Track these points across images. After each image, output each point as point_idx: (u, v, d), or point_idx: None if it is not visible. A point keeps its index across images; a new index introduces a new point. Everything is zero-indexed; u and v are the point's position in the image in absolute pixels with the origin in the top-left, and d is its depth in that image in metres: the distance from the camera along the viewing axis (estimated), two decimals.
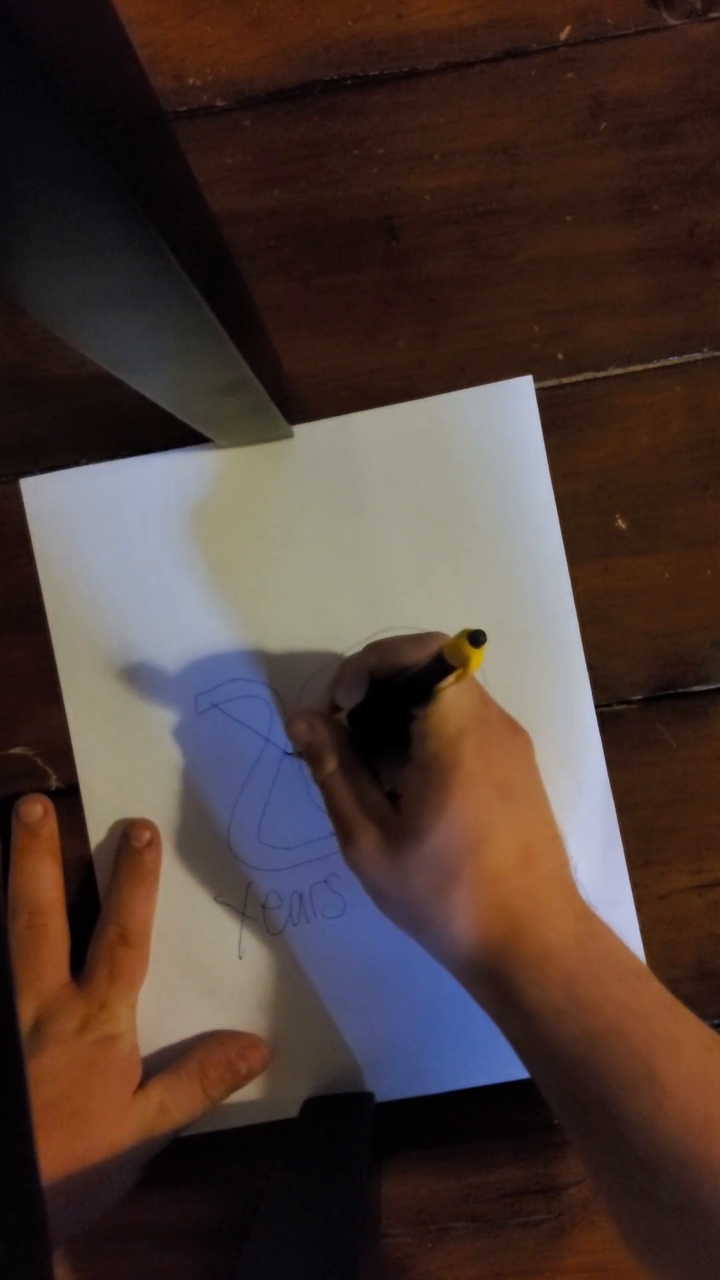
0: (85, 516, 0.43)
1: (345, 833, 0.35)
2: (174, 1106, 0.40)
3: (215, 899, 0.43)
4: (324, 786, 0.36)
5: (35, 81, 0.13)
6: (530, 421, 0.42)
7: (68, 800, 0.43)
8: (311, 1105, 0.42)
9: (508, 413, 0.42)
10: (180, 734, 0.43)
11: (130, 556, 0.43)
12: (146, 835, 0.42)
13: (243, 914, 0.42)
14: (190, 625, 0.43)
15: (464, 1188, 0.42)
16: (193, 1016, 0.42)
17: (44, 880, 0.42)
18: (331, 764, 0.36)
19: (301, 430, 0.42)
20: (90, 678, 0.43)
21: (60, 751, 0.43)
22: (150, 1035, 0.42)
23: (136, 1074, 0.41)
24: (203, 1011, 0.42)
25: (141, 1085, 0.40)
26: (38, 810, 0.42)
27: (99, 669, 0.43)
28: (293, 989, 0.42)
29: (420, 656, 0.34)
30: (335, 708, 0.38)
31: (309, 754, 0.37)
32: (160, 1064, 0.42)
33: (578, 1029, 0.31)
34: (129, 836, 0.42)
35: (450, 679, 0.32)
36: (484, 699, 0.36)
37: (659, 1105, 0.29)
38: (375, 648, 0.36)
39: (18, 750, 0.43)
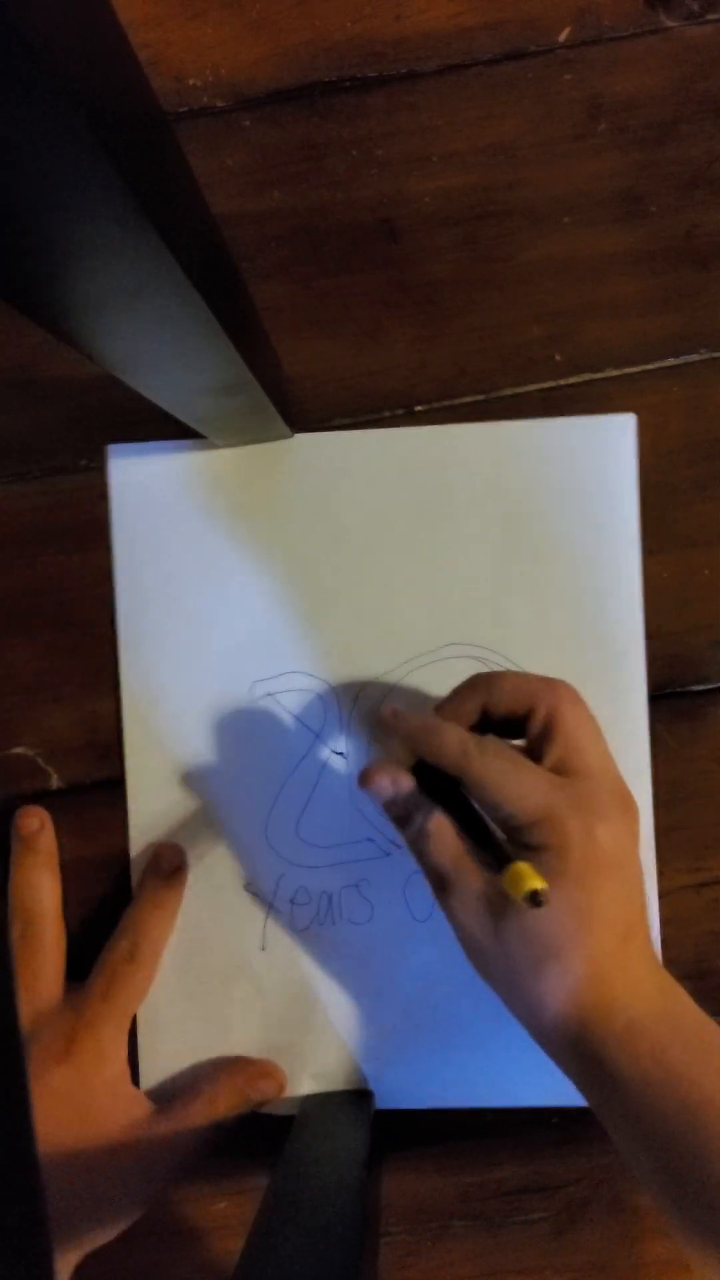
0: (167, 492, 0.43)
1: (443, 885, 0.34)
2: (179, 1141, 0.40)
3: (245, 886, 0.43)
4: (414, 842, 0.35)
5: (36, 83, 0.13)
6: (628, 462, 0.42)
7: (68, 800, 0.43)
8: (311, 1104, 0.42)
9: (606, 448, 0.42)
10: (233, 718, 0.42)
11: (206, 537, 0.42)
12: (176, 860, 0.42)
13: (270, 905, 0.42)
14: (258, 613, 0.42)
15: (463, 1186, 0.42)
16: (207, 999, 0.42)
17: (40, 892, 0.42)
18: (422, 815, 0.35)
19: (401, 434, 0.42)
20: (151, 650, 0.43)
21: (62, 751, 0.43)
22: (165, 1012, 0.42)
23: (125, 1096, 0.40)
24: (217, 995, 0.42)
25: (148, 1114, 0.40)
26: (34, 823, 0.42)
27: (161, 642, 0.43)
28: (308, 987, 0.42)
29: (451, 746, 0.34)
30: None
31: (391, 810, 0.36)
32: (166, 1065, 0.42)
33: (671, 1100, 0.31)
34: (159, 858, 0.42)
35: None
36: (599, 770, 0.35)
37: None
38: (422, 733, 0.35)
39: (19, 750, 0.43)
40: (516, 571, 0.42)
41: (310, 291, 0.43)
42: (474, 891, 0.34)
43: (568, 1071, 0.34)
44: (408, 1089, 0.42)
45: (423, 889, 0.41)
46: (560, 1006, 0.33)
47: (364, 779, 0.36)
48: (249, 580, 0.43)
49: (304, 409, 0.42)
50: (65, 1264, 0.37)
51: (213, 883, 0.43)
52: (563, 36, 0.42)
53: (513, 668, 0.42)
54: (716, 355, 0.42)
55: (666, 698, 0.42)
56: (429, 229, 0.42)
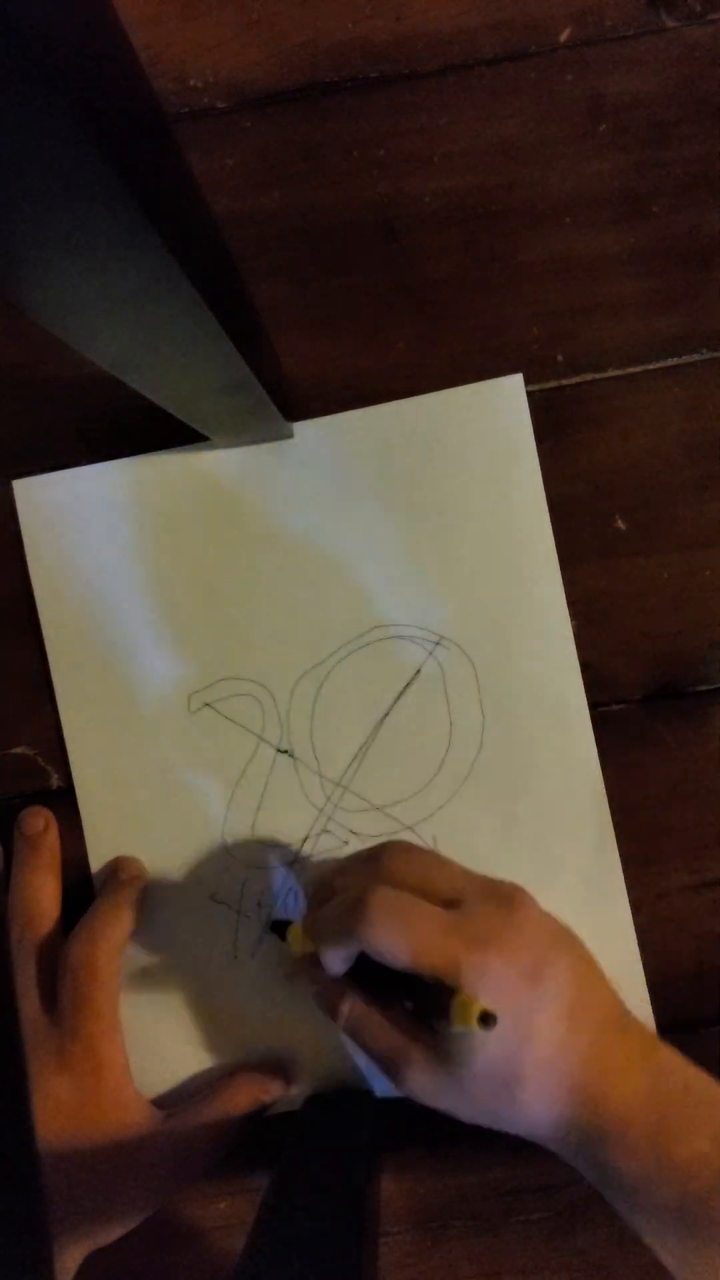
0: (77, 517, 0.43)
1: (391, 1067, 0.34)
2: (195, 1143, 0.40)
3: (211, 897, 0.43)
4: (348, 1030, 0.36)
5: (36, 83, 0.13)
6: (521, 419, 0.42)
7: (69, 799, 0.43)
8: (312, 1103, 0.42)
9: (499, 411, 0.42)
10: (174, 733, 0.43)
11: (123, 556, 0.43)
12: (135, 870, 0.42)
13: (238, 912, 0.43)
14: (183, 625, 0.43)
15: (463, 1186, 0.42)
16: (189, 1015, 0.42)
17: (41, 892, 0.42)
18: (346, 1007, 0.35)
19: (296, 429, 0.42)
20: (84, 679, 0.43)
21: (61, 751, 0.43)
22: (146, 1036, 0.42)
23: (129, 1101, 0.40)
24: (200, 1010, 0.42)
25: (157, 1118, 0.40)
26: (39, 823, 0.42)
27: (92, 670, 0.43)
28: (289, 987, 0.42)
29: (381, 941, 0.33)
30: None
31: (320, 1004, 0.37)
32: (161, 1078, 0.42)
33: (673, 1194, 0.31)
34: (117, 869, 0.42)
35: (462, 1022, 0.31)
36: (458, 893, 0.35)
37: None
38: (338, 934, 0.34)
39: (18, 750, 0.43)
40: (431, 545, 0.42)
41: (310, 291, 0.43)
42: (419, 1064, 0.33)
43: (585, 1174, 0.34)
44: None
45: None
46: (545, 1119, 0.33)
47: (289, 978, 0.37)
48: (167, 595, 0.43)
49: (304, 408, 0.42)
50: (71, 1260, 0.38)
51: (179, 897, 0.43)
52: (564, 37, 0.42)
53: (439, 642, 0.42)
54: (717, 355, 0.42)
55: (666, 698, 0.42)
56: (429, 229, 0.42)
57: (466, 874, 0.36)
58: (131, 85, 0.17)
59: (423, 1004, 0.35)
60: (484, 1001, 0.31)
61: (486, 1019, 0.30)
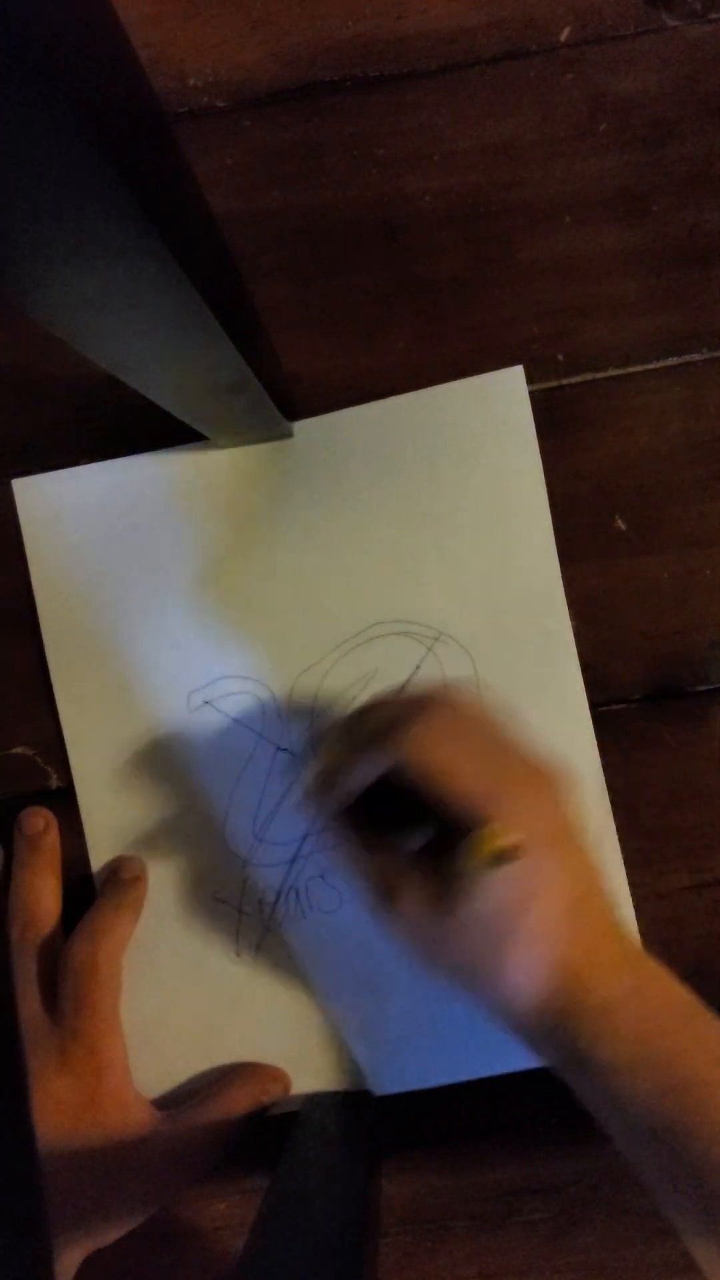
0: (77, 517, 0.43)
1: (382, 896, 0.34)
2: (195, 1143, 0.40)
3: (213, 895, 0.43)
4: (348, 856, 0.35)
5: (36, 83, 0.13)
6: (521, 412, 0.42)
7: (69, 799, 0.43)
8: (312, 1104, 0.42)
9: (498, 403, 0.42)
10: (174, 732, 0.43)
11: (122, 556, 0.43)
12: (136, 870, 0.42)
13: (240, 910, 0.43)
14: (183, 624, 0.43)
15: (463, 1186, 0.42)
16: (191, 1015, 0.42)
17: (42, 892, 0.42)
18: (352, 833, 0.35)
19: (296, 428, 0.42)
20: (83, 678, 0.43)
21: (61, 751, 0.43)
22: (146, 1036, 0.42)
23: (130, 1101, 0.40)
24: (201, 1009, 0.42)
25: (157, 1119, 0.40)
26: (39, 823, 0.42)
27: (92, 669, 0.43)
28: (291, 984, 0.42)
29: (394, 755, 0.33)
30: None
31: (326, 826, 0.36)
32: (162, 1076, 0.42)
33: (654, 1083, 0.31)
34: (118, 869, 0.42)
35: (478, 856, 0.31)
36: (503, 749, 0.34)
37: None
38: (359, 760, 0.34)
39: (18, 750, 0.43)
40: (429, 540, 0.42)
41: (310, 291, 0.43)
42: (413, 898, 0.33)
43: (548, 1059, 0.33)
44: (402, 1070, 0.42)
45: None
46: (525, 991, 0.32)
47: (301, 800, 0.35)
48: (167, 594, 0.43)
49: (304, 407, 0.42)
50: (71, 1260, 0.38)
51: (180, 897, 0.43)
52: (564, 36, 0.42)
53: (438, 635, 0.42)
54: (717, 354, 0.42)
55: (666, 698, 0.42)
56: (429, 228, 0.42)
57: (519, 735, 0.35)
58: (131, 85, 0.17)
59: (430, 843, 0.34)
60: (514, 836, 0.30)
61: (505, 856, 0.30)
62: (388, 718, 0.34)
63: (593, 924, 0.34)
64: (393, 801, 0.34)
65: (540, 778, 0.34)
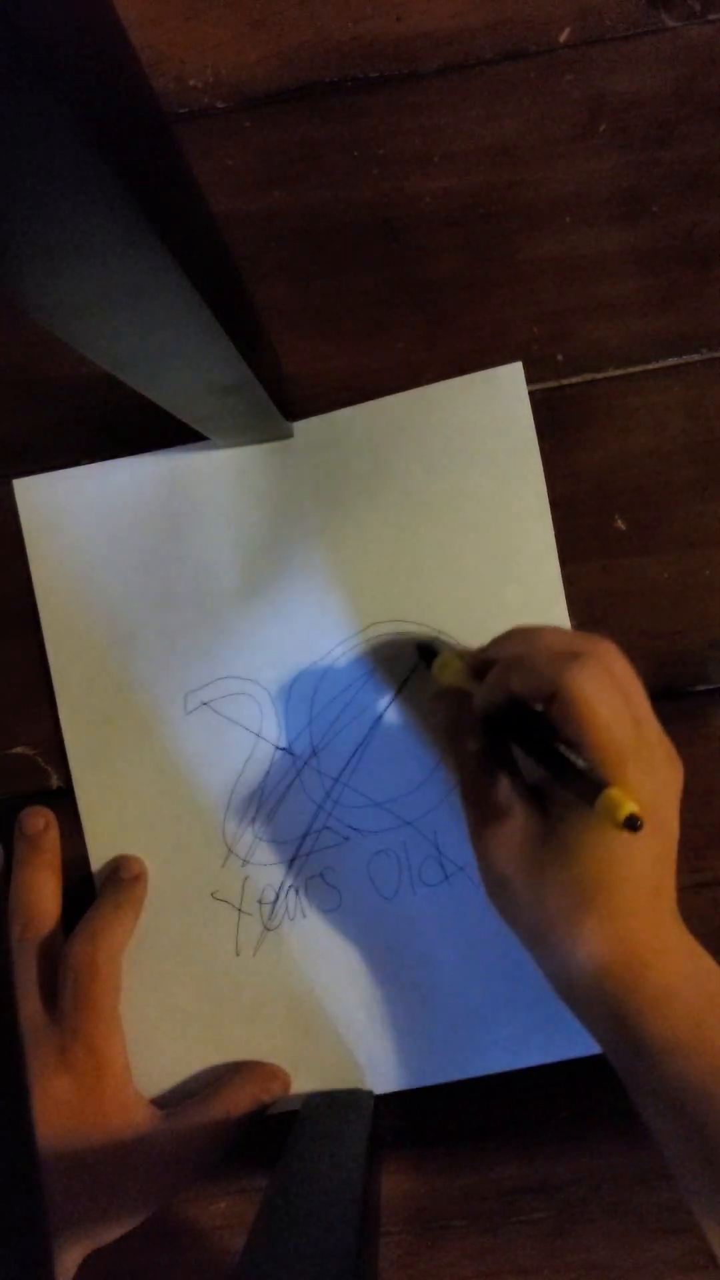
0: (77, 517, 0.43)
1: (484, 820, 0.34)
2: (196, 1142, 0.40)
3: (212, 895, 0.43)
4: (462, 768, 0.35)
5: (37, 83, 0.13)
6: (520, 408, 0.42)
7: (69, 798, 0.43)
8: (312, 1103, 0.42)
9: (498, 399, 0.42)
10: (172, 732, 0.43)
11: (122, 556, 0.43)
12: (135, 869, 0.42)
13: (239, 910, 0.43)
14: (182, 624, 0.43)
15: (463, 1186, 0.43)
16: (191, 1014, 0.42)
17: (42, 892, 0.42)
18: (474, 744, 0.35)
19: (295, 428, 0.42)
20: (82, 679, 0.43)
21: (61, 751, 0.43)
22: (148, 1036, 0.42)
23: (130, 1100, 0.40)
24: (201, 1008, 0.42)
25: (157, 1118, 0.40)
26: (40, 822, 0.42)
27: (91, 669, 0.43)
28: (291, 983, 0.42)
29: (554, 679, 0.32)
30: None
31: (449, 730, 0.36)
32: (161, 1076, 0.42)
33: (705, 1067, 0.31)
34: (119, 868, 0.42)
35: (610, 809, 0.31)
36: (645, 720, 0.34)
37: None
38: (514, 669, 0.34)
39: (18, 750, 0.43)
40: (429, 538, 0.42)
41: (310, 291, 0.43)
42: (515, 831, 0.33)
43: (594, 1030, 0.34)
44: (402, 1069, 0.42)
45: (386, 867, 0.42)
46: (593, 960, 0.32)
47: (430, 700, 0.36)
48: (166, 595, 0.43)
49: (304, 408, 0.42)
50: (71, 1260, 0.38)
51: (180, 896, 0.43)
52: (563, 37, 0.42)
53: (437, 634, 0.42)
54: (717, 355, 0.42)
55: (665, 698, 0.42)
56: (430, 229, 0.42)
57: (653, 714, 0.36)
58: (131, 85, 0.17)
59: (552, 781, 0.34)
60: (635, 804, 0.30)
61: (632, 821, 0.30)
62: (560, 644, 0.34)
63: (665, 909, 0.34)
64: (514, 731, 0.34)
65: (669, 758, 0.35)
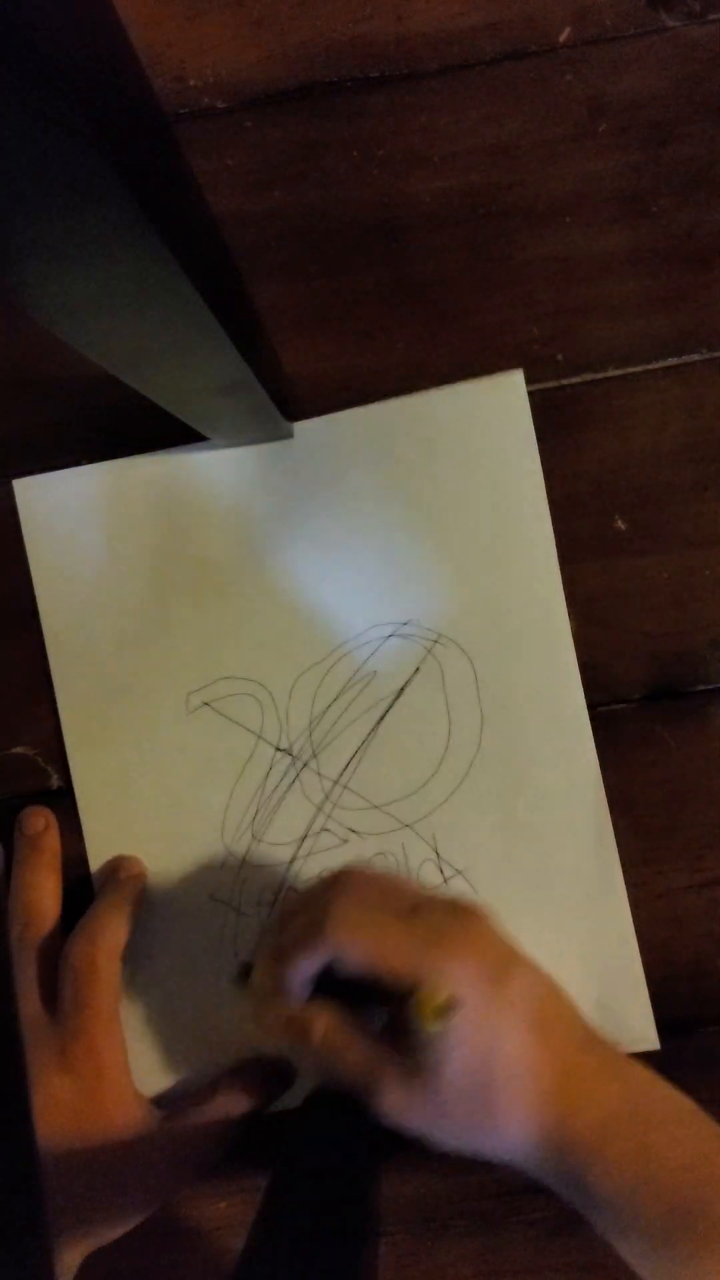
0: (78, 517, 0.43)
1: (366, 1089, 0.34)
2: (198, 1141, 0.40)
3: (211, 896, 0.43)
4: (318, 1054, 0.35)
5: (36, 83, 0.13)
6: (521, 416, 0.42)
7: (69, 798, 0.43)
8: (312, 1102, 0.42)
9: (499, 406, 0.42)
10: (172, 732, 0.43)
11: (122, 556, 0.43)
12: (135, 869, 0.42)
13: (238, 911, 0.43)
14: (182, 624, 0.43)
15: (463, 1186, 0.42)
16: (190, 1014, 0.42)
17: (42, 892, 0.42)
18: (319, 1030, 0.35)
19: (295, 428, 0.42)
20: (82, 679, 0.43)
21: (61, 751, 0.43)
22: (146, 1036, 0.42)
23: (130, 1100, 0.40)
24: (200, 1009, 0.42)
25: (156, 1117, 0.40)
26: (40, 822, 0.42)
27: (92, 669, 0.43)
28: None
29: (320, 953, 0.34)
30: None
31: (289, 1031, 0.36)
32: (161, 1076, 0.42)
33: (659, 1210, 0.31)
34: (117, 868, 0.42)
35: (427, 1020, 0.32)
36: (419, 906, 0.35)
37: None
38: (284, 955, 0.35)
39: (18, 750, 0.43)
40: (429, 542, 0.42)
41: (311, 291, 0.43)
42: (393, 1083, 0.33)
43: (567, 1198, 0.33)
44: None
45: (386, 869, 0.42)
46: (522, 1132, 0.32)
47: (255, 1017, 0.36)
48: (166, 595, 0.43)
49: (304, 408, 0.42)
50: (71, 1260, 0.38)
51: (178, 897, 0.43)
52: (563, 36, 0.42)
53: (437, 637, 0.42)
54: (717, 355, 0.42)
55: (666, 698, 0.42)
56: (430, 229, 0.42)
57: (426, 891, 0.37)
58: (132, 85, 0.17)
59: (389, 1022, 0.35)
60: (444, 990, 0.31)
61: (447, 1010, 0.30)
62: (306, 918, 0.35)
63: (564, 1038, 0.34)
64: (345, 987, 0.35)
65: (462, 918, 0.35)
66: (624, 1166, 0.31)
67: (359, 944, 0.33)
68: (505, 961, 0.34)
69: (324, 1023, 0.35)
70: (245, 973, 0.38)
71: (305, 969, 0.34)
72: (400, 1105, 0.33)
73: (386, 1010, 0.36)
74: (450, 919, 0.35)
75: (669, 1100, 0.33)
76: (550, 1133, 0.32)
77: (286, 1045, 0.40)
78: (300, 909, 0.36)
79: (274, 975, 0.35)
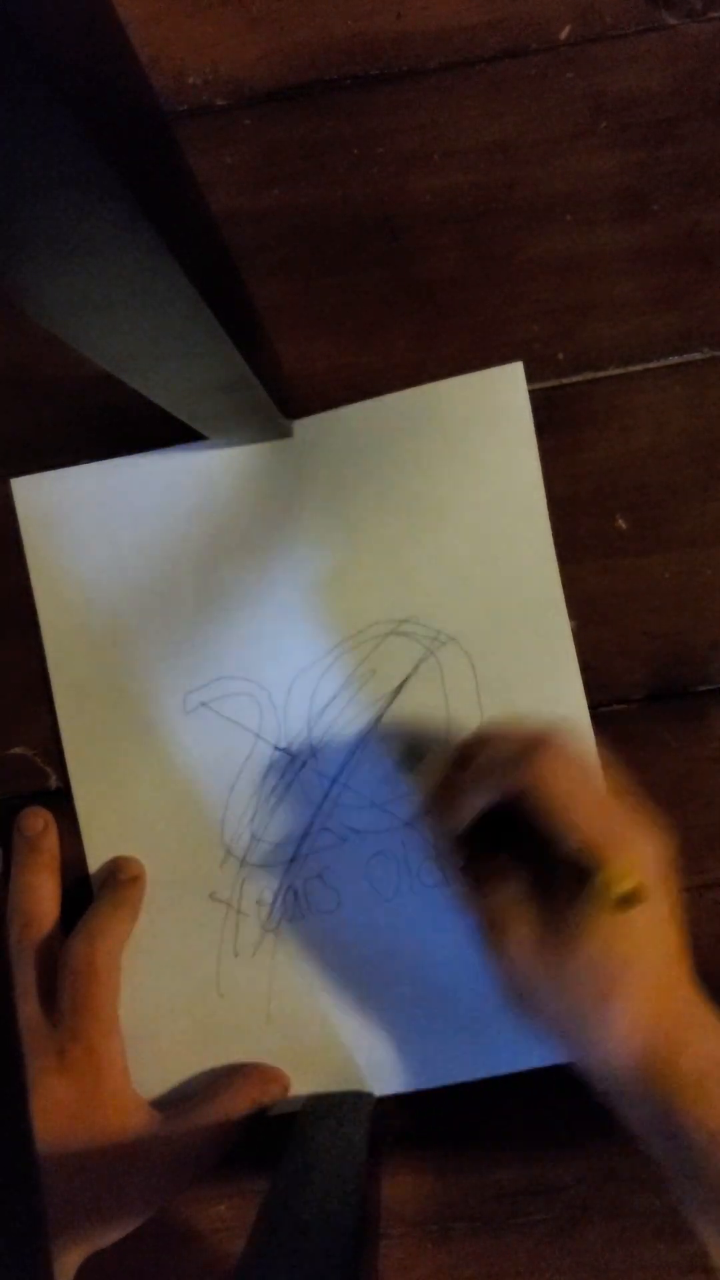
0: (76, 516, 0.43)
1: (495, 929, 0.33)
2: (195, 1144, 0.40)
3: (210, 896, 0.43)
4: (461, 882, 0.35)
5: (36, 81, 0.13)
6: (520, 407, 0.42)
7: (68, 799, 0.43)
8: (311, 1104, 0.42)
9: (498, 399, 0.42)
10: (170, 733, 0.43)
11: (122, 556, 0.43)
12: (134, 870, 0.42)
13: (237, 911, 0.42)
14: (181, 624, 0.43)
15: (464, 1188, 0.42)
16: (190, 1015, 0.42)
17: (41, 893, 0.42)
18: (459, 859, 0.35)
19: (295, 427, 0.42)
20: (81, 679, 0.43)
21: (60, 751, 0.43)
22: (147, 1038, 0.42)
23: (129, 1103, 0.40)
24: (200, 1009, 0.42)
25: (155, 1120, 0.40)
26: (39, 823, 0.42)
27: (90, 669, 0.43)
28: (289, 985, 0.42)
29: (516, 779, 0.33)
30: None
31: (439, 848, 0.36)
32: (160, 1077, 0.42)
33: None
34: (116, 869, 0.42)
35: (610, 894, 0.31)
36: (620, 792, 0.34)
37: None
38: (481, 778, 0.34)
39: (17, 750, 0.43)
40: (427, 539, 0.42)
41: (311, 290, 0.42)
42: (527, 933, 0.33)
43: (631, 1117, 0.33)
44: (402, 1071, 0.42)
45: (385, 868, 0.42)
46: (626, 1043, 0.32)
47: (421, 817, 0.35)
48: (165, 595, 0.43)
49: (304, 407, 0.42)
50: (70, 1262, 0.38)
51: (177, 896, 0.42)
52: (564, 34, 0.42)
53: (436, 635, 0.42)
54: (718, 354, 0.42)
55: (667, 698, 0.42)
56: (430, 227, 0.42)
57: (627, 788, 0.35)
58: (131, 84, 0.17)
59: (548, 876, 0.34)
60: (636, 876, 0.30)
61: (632, 898, 0.30)
62: (510, 746, 0.34)
63: (688, 985, 0.33)
64: (498, 836, 0.34)
65: (649, 825, 0.34)
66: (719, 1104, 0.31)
67: (565, 789, 0.32)
68: (672, 883, 0.34)
69: (466, 851, 0.34)
70: (412, 755, 0.37)
71: (498, 787, 0.33)
72: (528, 954, 0.32)
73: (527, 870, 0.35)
74: (643, 819, 0.34)
75: None
76: (653, 1056, 0.32)
77: (435, 836, 0.38)
78: (508, 735, 0.35)
79: (455, 782, 0.34)
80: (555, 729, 0.35)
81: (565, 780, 0.32)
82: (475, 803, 0.34)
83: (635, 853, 0.32)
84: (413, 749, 0.38)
